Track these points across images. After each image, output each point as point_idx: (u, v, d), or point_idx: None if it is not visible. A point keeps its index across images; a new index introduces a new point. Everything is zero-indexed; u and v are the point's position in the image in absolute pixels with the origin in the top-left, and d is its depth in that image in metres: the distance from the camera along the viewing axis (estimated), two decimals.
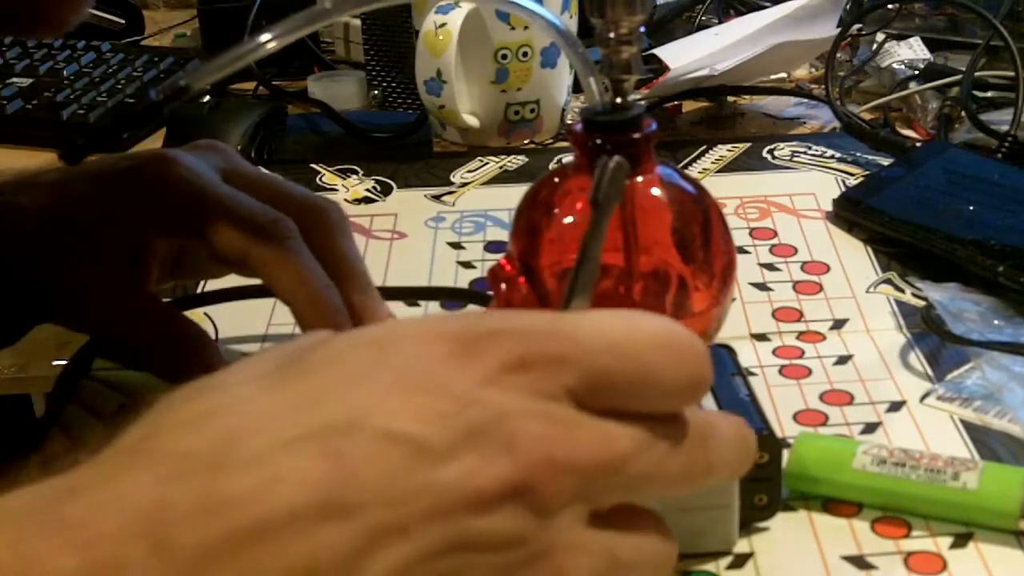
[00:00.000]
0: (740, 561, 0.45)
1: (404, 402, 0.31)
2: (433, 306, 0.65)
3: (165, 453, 0.30)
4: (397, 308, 0.65)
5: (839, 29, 0.91)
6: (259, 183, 0.54)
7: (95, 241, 0.52)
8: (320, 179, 0.82)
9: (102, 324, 0.54)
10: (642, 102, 0.82)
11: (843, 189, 0.76)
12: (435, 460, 0.30)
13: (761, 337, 0.61)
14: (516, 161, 0.84)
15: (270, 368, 0.32)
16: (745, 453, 0.37)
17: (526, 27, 0.83)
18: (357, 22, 1.00)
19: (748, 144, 0.85)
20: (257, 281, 0.53)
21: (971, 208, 0.69)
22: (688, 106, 0.94)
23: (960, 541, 0.46)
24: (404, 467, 0.30)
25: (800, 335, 0.61)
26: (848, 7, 0.97)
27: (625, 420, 0.33)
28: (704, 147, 0.84)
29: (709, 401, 0.46)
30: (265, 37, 0.43)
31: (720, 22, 1.04)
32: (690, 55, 0.88)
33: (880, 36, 0.97)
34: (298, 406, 0.31)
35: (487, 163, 0.83)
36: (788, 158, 0.82)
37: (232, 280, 0.59)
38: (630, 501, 0.35)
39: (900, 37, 0.96)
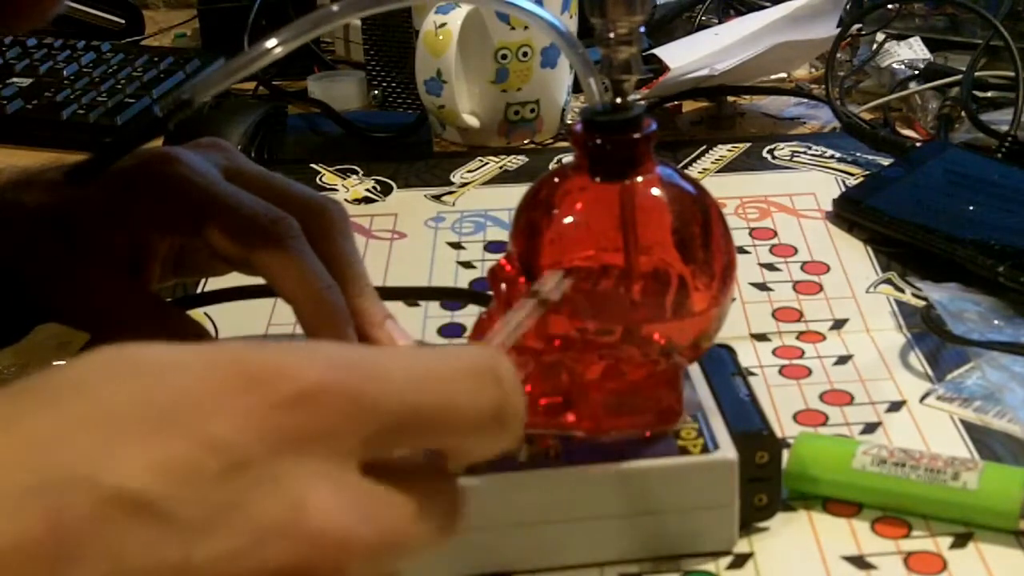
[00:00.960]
0: (740, 561, 0.45)
1: (151, 455, 0.25)
2: (433, 306, 0.65)
3: None
4: (397, 308, 0.65)
5: (839, 29, 0.91)
6: (261, 181, 0.54)
7: (96, 239, 0.52)
8: (320, 179, 0.82)
9: (103, 323, 0.54)
10: (642, 102, 0.82)
11: (843, 189, 0.76)
12: (182, 533, 0.25)
13: (761, 337, 0.61)
14: (516, 161, 0.84)
15: (11, 394, 0.27)
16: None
17: (526, 27, 0.83)
18: (357, 22, 1.00)
19: (748, 144, 0.85)
20: (258, 281, 0.53)
21: (971, 208, 0.69)
22: (688, 106, 0.94)
23: (960, 541, 0.46)
24: (139, 541, 0.25)
25: (800, 335, 0.61)
26: (848, 7, 0.97)
27: (411, 481, 0.29)
28: (704, 147, 0.84)
29: (709, 401, 0.46)
30: (271, 43, 0.43)
31: (720, 22, 1.04)
32: (690, 55, 0.88)
33: (880, 36, 0.97)
34: (26, 449, 0.25)
35: (487, 163, 0.83)
36: (788, 158, 0.82)
37: (232, 280, 0.59)
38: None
39: (900, 37, 0.96)
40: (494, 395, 0.31)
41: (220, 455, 0.26)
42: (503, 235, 0.71)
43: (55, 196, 0.53)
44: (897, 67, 0.93)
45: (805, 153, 0.83)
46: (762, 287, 0.66)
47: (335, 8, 0.43)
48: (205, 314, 0.64)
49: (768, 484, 0.46)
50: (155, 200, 0.52)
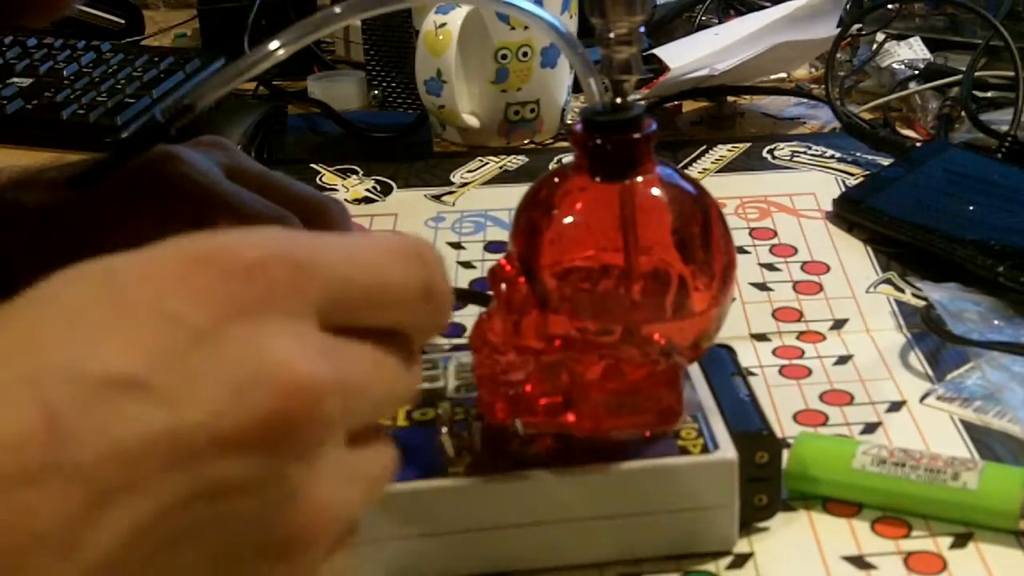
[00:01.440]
0: (740, 561, 0.45)
1: (127, 339, 0.28)
2: None
3: None
4: None
5: (839, 29, 0.91)
6: (263, 181, 0.54)
7: (97, 238, 0.52)
8: (320, 179, 0.82)
9: None
10: (642, 102, 0.82)
11: (843, 189, 0.76)
12: (167, 403, 0.27)
13: (761, 337, 0.61)
14: (516, 161, 0.84)
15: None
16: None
17: (526, 27, 0.83)
18: (357, 22, 1.00)
19: (748, 144, 0.85)
20: None
21: (971, 208, 0.69)
22: (688, 106, 0.94)
23: (960, 541, 0.46)
24: (129, 416, 0.27)
25: (800, 335, 0.61)
26: (848, 7, 0.97)
27: (364, 339, 0.32)
28: (704, 147, 0.84)
29: (709, 401, 0.46)
30: (274, 45, 0.43)
31: (720, 22, 1.04)
32: (690, 55, 0.88)
33: (880, 36, 0.97)
34: (11, 346, 0.28)
35: (487, 163, 0.83)
36: (788, 158, 0.82)
37: None
38: (371, 420, 0.34)
39: (900, 37, 0.96)
40: (421, 274, 0.34)
41: (186, 328, 0.28)
42: (503, 235, 0.71)
43: (55, 196, 0.53)
44: (897, 67, 0.93)
45: (805, 153, 0.83)
46: (762, 287, 0.66)
47: (337, 10, 0.43)
48: None
49: (768, 484, 0.46)
50: (156, 199, 0.52)
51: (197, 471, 0.28)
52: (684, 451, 0.44)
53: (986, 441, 0.52)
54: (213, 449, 0.28)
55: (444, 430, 0.45)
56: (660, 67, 0.88)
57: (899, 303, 0.63)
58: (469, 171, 0.82)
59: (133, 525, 0.27)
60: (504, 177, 0.81)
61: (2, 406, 0.26)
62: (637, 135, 0.43)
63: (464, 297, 0.66)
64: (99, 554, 0.27)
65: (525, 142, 0.88)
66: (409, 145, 0.88)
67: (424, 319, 0.34)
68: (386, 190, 0.80)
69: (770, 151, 0.83)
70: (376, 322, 0.33)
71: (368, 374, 0.32)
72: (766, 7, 0.96)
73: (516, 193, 0.47)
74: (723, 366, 0.49)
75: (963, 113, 0.84)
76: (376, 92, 0.98)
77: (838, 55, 0.89)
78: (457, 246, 0.72)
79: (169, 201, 0.51)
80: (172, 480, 0.27)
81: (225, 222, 0.50)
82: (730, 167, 0.81)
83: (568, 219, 0.45)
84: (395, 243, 0.34)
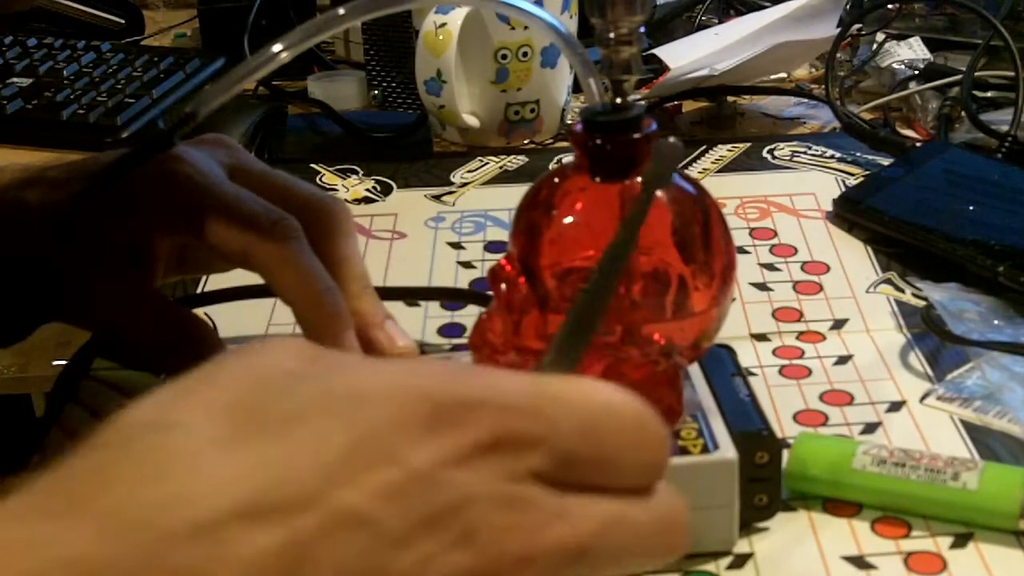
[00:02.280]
0: (740, 561, 0.45)
1: (364, 476, 0.29)
2: (433, 306, 0.65)
3: (112, 509, 0.28)
4: (397, 308, 0.65)
5: (839, 29, 0.91)
6: (265, 179, 0.54)
7: (100, 238, 0.52)
8: (320, 179, 0.82)
9: (106, 321, 0.53)
10: (642, 102, 0.82)
11: (843, 189, 0.76)
12: (391, 545, 0.29)
13: (761, 337, 0.61)
14: (516, 161, 0.84)
15: (228, 412, 0.30)
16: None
17: (526, 27, 0.83)
18: (358, 22, 1.00)
19: (748, 144, 0.85)
20: (258, 280, 0.53)
21: (971, 208, 0.69)
22: (688, 106, 0.94)
23: (960, 541, 0.46)
24: (360, 551, 0.28)
25: (800, 335, 0.61)
26: (848, 7, 0.97)
27: (589, 497, 0.32)
28: (704, 147, 0.84)
29: (709, 401, 0.46)
30: (277, 47, 0.43)
31: (720, 22, 1.04)
32: (690, 55, 0.88)
33: (880, 36, 0.97)
34: (252, 472, 0.29)
35: (487, 163, 0.83)
36: (788, 158, 0.82)
37: (232, 280, 0.59)
38: None
39: (900, 37, 0.96)
40: (649, 458, 0.34)
41: (419, 481, 0.29)
42: (503, 235, 0.71)
43: (59, 195, 0.53)
44: (897, 67, 0.93)
45: (805, 153, 0.83)
46: (762, 287, 0.66)
47: (341, 11, 0.43)
48: (205, 314, 0.64)
49: (768, 484, 0.46)
50: (159, 199, 0.52)
51: None
52: (684, 451, 0.44)
53: (986, 441, 0.52)
54: None
55: None
56: (660, 67, 0.88)
57: (899, 303, 0.63)
58: (469, 171, 0.82)
59: None
60: (504, 177, 0.81)
61: (248, 529, 0.28)
62: (637, 135, 0.43)
63: (464, 297, 0.66)
64: None
65: (525, 142, 0.88)
66: (409, 145, 0.88)
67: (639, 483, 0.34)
68: (386, 190, 0.80)
69: (770, 151, 0.83)
70: (606, 484, 0.33)
71: (586, 539, 0.32)
72: (766, 7, 0.96)
73: (516, 193, 0.47)
74: (723, 366, 0.49)
75: (963, 113, 0.84)
76: (376, 92, 0.98)
77: (838, 55, 0.89)
78: (457, 246, 0.72)
79: (171, 201, 0.51)
80: None
81: (225, 223, 0.50)
82: (730, 167, 0.81)
83: (568, 219, 0.45)
84: (634, 419, 0.34)
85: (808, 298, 0.64)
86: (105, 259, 0.52)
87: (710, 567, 0.45)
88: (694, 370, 0.48)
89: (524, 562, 0.30)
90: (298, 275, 0.50)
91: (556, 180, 0.46)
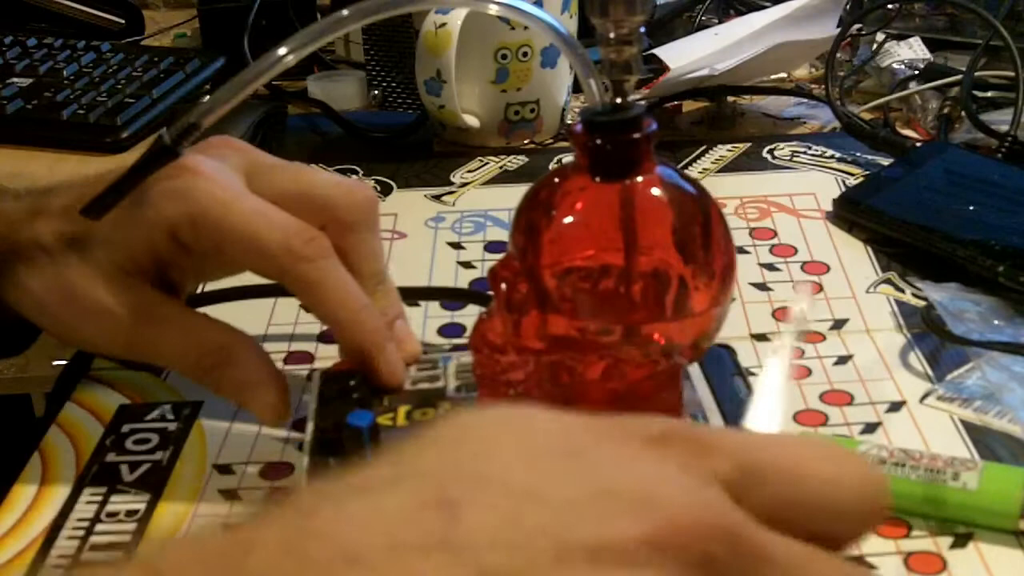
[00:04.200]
0: None
1: (532, 465, 0.29)
2: (433, 306, 0.65)
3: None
4: None
5: (839, 29, 0.91)
6: (283, 181, 0.52)
7: (119, 259, 0.50)
8: None
9: (135, 345, 0.51)
10: (642, 102, 0.82)
11: (843, 189, 0.76)
12: (557, 509, 0.27)
13: (761, 337, 0.61)
14: (516, 161, 0.84)
15: (414, 509, 0.28)
16: None
17: (526, 27, 0.83)
18: (361, 25, 1.00)
19: (748, 144, 0.85)
20: (259, 280, 0.53)
21: (971, 208, 0.69)
22: (688, 106, 0.94)
23: (960, 541, 0.46)
24: (521, 512, 0.27)
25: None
26: (848, 7, 0.97)
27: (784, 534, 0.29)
28: (704, 147, 0.84)
29: (709, 401, 0.46)
30: (282, 51, 0.43)
31: (720, 22, 1.04)
32: (690, 55, 0.88)
33: (880, 36, 0.97)
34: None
35: (487, 163, 0.83)
36: (788, 158, 0.82)
37: (232, 280, 0.59)
38: None
39: (900, 37, 0.96)
40: (872, 510, 0.32)
41: (593, 464, 0.29)
42: (503, 235, 0.71)
43: (74, 224, 0.50)
44: (897, 67, 0.93)
45: (805, 153, 0.83)
46: (762, 287, 0.66)
47: (345, 13, 0.43)
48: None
49: None
50: (177, 219, 0.49)
51: (573, 571, 0.27)
52: None
53: (986, 441, 0.52)
54: (586, 555, 0.27)
55: None
56: (660, 67, 0.88)
57: (899, 303, 0.63)
58: (469, 171, 0.82)
59: None
60: (504, 177, 0.81)
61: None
62: (637, 135, 0.43)
63: (464, 297, 0.66)
64: None
65: (525, 142, 0.88)
66: (409, 145, 0.88)
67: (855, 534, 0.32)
68: (386, 190, 0.80)
69: (770, 151, 0.83)
70: (814, 529, 0.31)
71: (772, 553, 0.29)
72: (766, 7, 0.96)
73: (516, 193, 0.47)
74: (723, 366, 0.49)
75: (963, 113, 0.84)
76: (376, 92, 0.98)
77: (838, 55, 0.89)
78: (457, 246, 0.72)
79: (193, 225, 0.49)
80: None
81: (252, 247, 0.49)
82: (730, 167, 0.81)
83: (568, 219, 0.45)
84: (860, 473, 0.31)
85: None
86: (125, 281, 0.50)
87: None
88: (694, 370, 0.48)
89: (714, 534, 0.28)
90: (336, 295, 0.49)
91: (556, 180, 0.46)
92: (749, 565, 0.28)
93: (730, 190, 0.76)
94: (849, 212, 0.72)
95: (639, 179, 0.43)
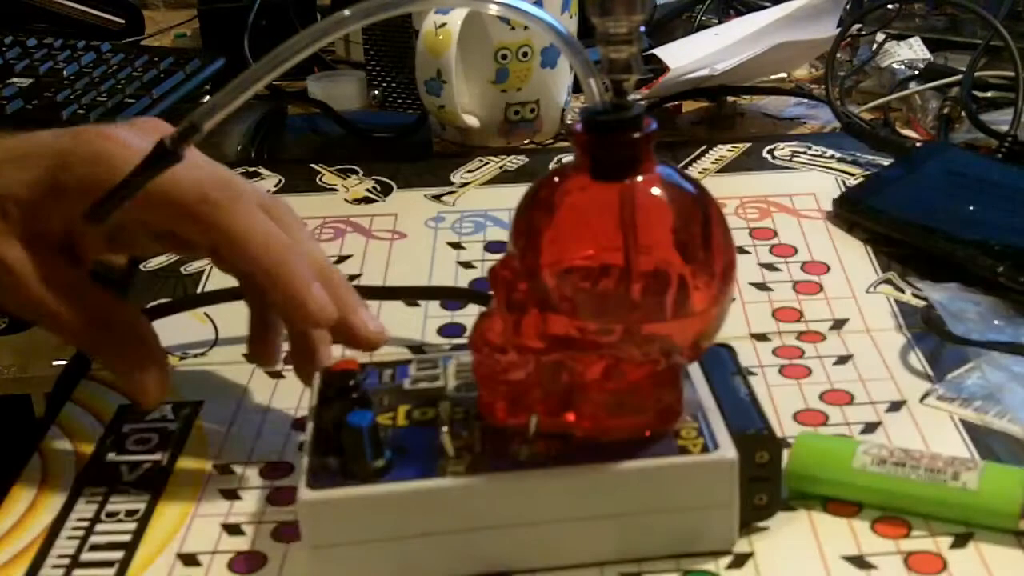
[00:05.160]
0: (740, 561, 0.45)
1: None
2: (433, 306, 0.65)
3: None
4: (397, 308, 0.65)
5: (839, 29, 0.91)
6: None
7: (30, 222, 0.50)
8: (320, 179, 0.82)
9: (25, 304, 0.51)
10: (642, 102, 0.82)
11: (843, 189, 0.76)
12: None
13: (761, 337, 0.61)
14: (516, 161, 0.84)
15: None
16: None
17: (526, 27, 0.83)
18: (361, 25, 1.00)
19: (748, 144, 0.85)
20: None
21: (971, 208, 0.69)
22: (688, 106, 0.94)
23: (960, 541, 0.46)
24: None
25: (800, 335, 0.61)
26: (848, 7, 0.97)
27: None
28: (704, 147, 0.84)
29: (709, 401, 0.46)
30: (284, 52, 0.43)
31: (720, 22, 1.04)
32: (690, 55, 0.89)
33: (880, 36, 0.97)
34: None
35: (487, 163, 0.83)
36: (788, 158, 0.82)
37: (232, 280, 0.59)
38: None
39: (900, 37, 0.96)
40: None
41: None
42: (503, 235, 0.71)
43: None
44: (897, 67, 0.93)
45: (805, 153, 0.83)
46: (762, 287, 0.66)
47: (346, 13, 0.43)
48: (205, 314, 0.64)
49: (768, 484, 0.46)
50: (92, 185, 0.48)
51: None
52: (684, 451, 0.44)
53: (986, 441, 0.52)
54: None
55: (444, 430, 0.45)
56: (660, 67, 0.88)
57: (899, 303, 0.63)
58: (469, 171, 0.82)
59: None
60: (504, 177, 0.81)
61: None
62: (637, 135, 0.43)
63: (464, 297, 0.66)
64: None
65: (525, 142, 0.88)
66: (409, 145, 0.88)
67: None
68: (386, 190, 0.80)
69: (770, 151, 0.83)
70: None
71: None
72: (766, 7, 0.96)
73: (516, 193, 0.47)
74: (723, 366, 0.49)
75: (963, 113, 0.84)
76: (376, 92, 0.98)
77: (838, 55, 0.89)
78: (457, 246, 0.72)
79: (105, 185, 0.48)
80: None
81: (166, 202, 0.48)
82: (730, 167, 0.81)
83: (568, 219, 0.45)
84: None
85: (808, 298, 0.64)
86: (34, 245, 0.50)
87: (710, 566, 0.45)
88: (694, 370, 0.48)
89: None
90: (256, 239, 0.48)
91: (556, 180, 0.46)
92: None
93: (730, 190, 0.76)
94: (849, 212, 0.72)
95: (639, 179, 0.43)
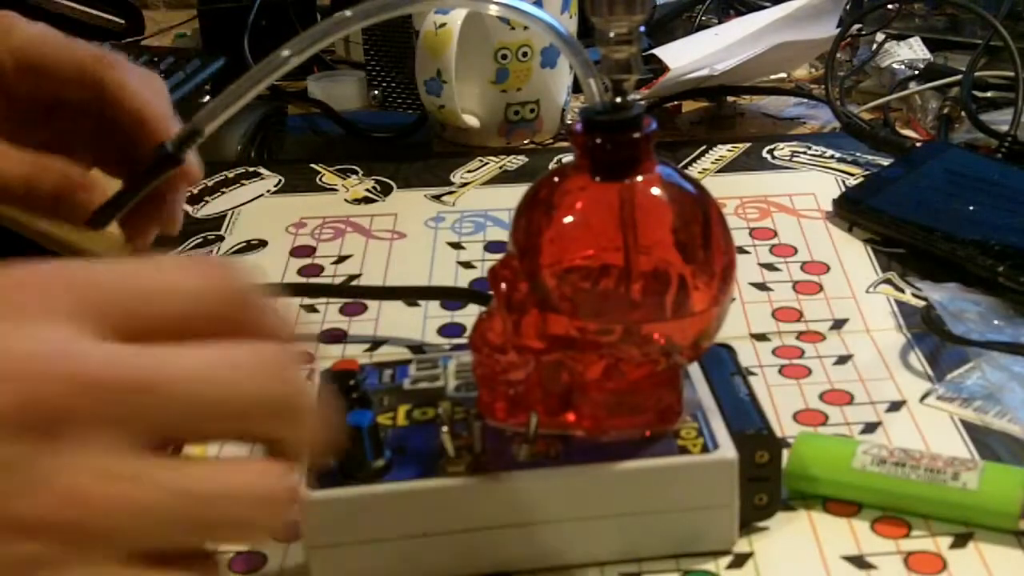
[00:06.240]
0: (740, 561, 0.45)
1: None
2: (433, 306, 0.65)
3: None
4: (397, 308, 0.65)
5: (839, 29, 0.91)
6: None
7: None
8: (320, 179, 0.82)
9: None
10: (642, 102, 0.82)
11: (843, 189, 0.76)
12: None
13: (761, 337, 0.61)
14: (516, 161, 0.84)
15: None
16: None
17: (526, 27, 0.83)
18: (362, 26, 1.00)
19: (748, 144, 0.85)
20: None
21: (971, 208, 0.69)
22: (688, 106, 0.94)
23: (960, 541, 0.46)
24: None
25: (800, 335, 0.61)
26: (848, 7, 0.97)
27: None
28: (704, 147, 0.84)
29: (709, 401, 0.46)
30: (286, 53, 0.43)
31: (720, 22, 1.04)
32: (690, 55, 0.88)
33: (880, 36, 0.97)
34: None
35: (487, 163, 0.83)
36: (788, 158, 0.82)
37: None
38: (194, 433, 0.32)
39: (900, 37, 0.96)
40: (276, 389, 0.32)
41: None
42: (503, 235, 0.71)
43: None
44: (897, 67, 0.93)
45: (805, 153, 0.83)
46: (762, 287, 0.66)
47: (348, 14, 0.43)
48: None
49: (768, 484, 0.46)
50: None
51: None
52: (684, 451, 0.44)
53: (986, 441, 0.52)
54: None
55: (444, 430, 0.45)
56: (660, 67, 0.88)
57: (899, 303, 0.63)
58: (469, 171, 0.82)
59: None
60: (504, 177, 0.81)
61: None
62: (637, 135, 0.43)
63: (464, 297, 0.66)
64: None
65: (525, 142, 0.88)
66: (409, 145, 0.88)
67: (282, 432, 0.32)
68: (386, 190, 0.80)
69: (770, 151, 0.83)
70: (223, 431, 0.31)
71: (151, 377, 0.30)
72: (766, 7, 0.96)
73: (516, 193, 0.47)
74: (723, 366, 0.49)
75: (963, 113, 0.84)
76: (376, 92, 0.98)
77: (838, 55, 0.89)
78: (457, 246, 0.72)
79: (12, 55, 0.52)
80: None
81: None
82: (730, 167, 0.81)
83: (568, 219, 0.45)
84: (248, 353, 0.31)
85: (808, 298, 0.64)
86: None
87: (710, 566, 0.45)
88: (694, 370, 0.48)
89: (78, 386, 0.29)
90: (140, 94, 0.52)
91: (556, 180, 0.46)
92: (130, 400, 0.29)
93: (730, 190, 0.76)
94: (849, 212, 0.72)
95: (639, 179, 0.43)
